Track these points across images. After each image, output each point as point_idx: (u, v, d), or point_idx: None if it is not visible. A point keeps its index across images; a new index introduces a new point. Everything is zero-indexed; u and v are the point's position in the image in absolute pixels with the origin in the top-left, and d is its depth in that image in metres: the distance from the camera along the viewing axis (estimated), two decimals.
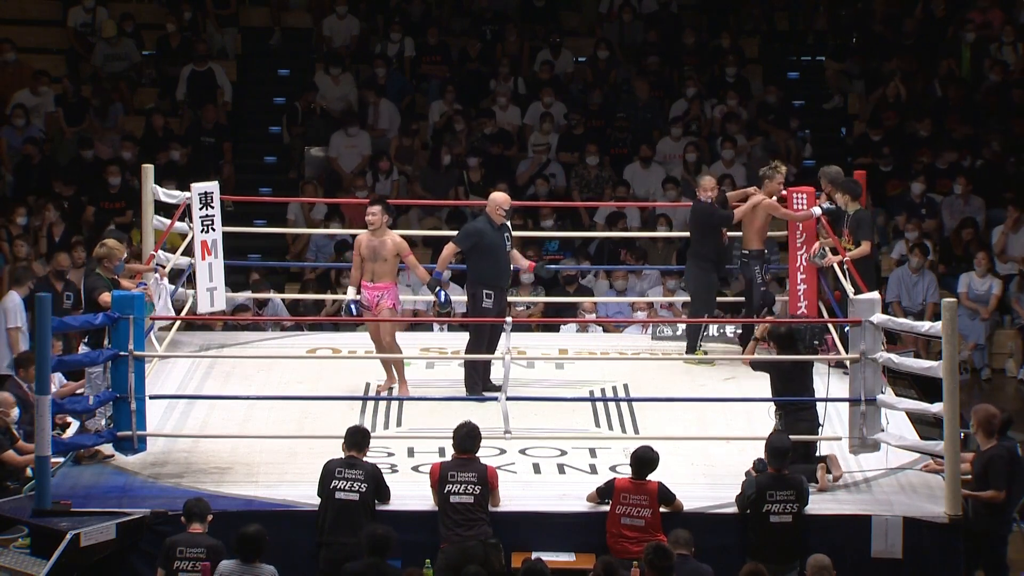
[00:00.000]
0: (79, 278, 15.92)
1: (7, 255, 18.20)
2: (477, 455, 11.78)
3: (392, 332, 13.79)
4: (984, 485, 11.97)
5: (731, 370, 14.49)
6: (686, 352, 14.75)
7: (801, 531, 11.64)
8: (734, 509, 11.81)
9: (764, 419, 12.70)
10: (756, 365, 12.63)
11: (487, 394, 13.53)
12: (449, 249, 13.90)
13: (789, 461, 11.73)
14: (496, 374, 13.65)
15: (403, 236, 13.92)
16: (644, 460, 11.73)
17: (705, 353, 14.71)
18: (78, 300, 15.82)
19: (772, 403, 12.49)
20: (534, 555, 11.39)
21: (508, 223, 14.00)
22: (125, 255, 13.31)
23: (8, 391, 13.35)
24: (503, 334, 12.87)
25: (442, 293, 13.82)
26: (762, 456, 11.86)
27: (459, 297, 14.71)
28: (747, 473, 11.92)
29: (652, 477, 11.73)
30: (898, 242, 19.27)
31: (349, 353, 14.91)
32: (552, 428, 13.15)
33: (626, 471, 11.87)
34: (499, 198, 13.94)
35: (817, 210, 14.49)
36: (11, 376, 14.02)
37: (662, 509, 11.66)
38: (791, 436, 12.05)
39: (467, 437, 11.77)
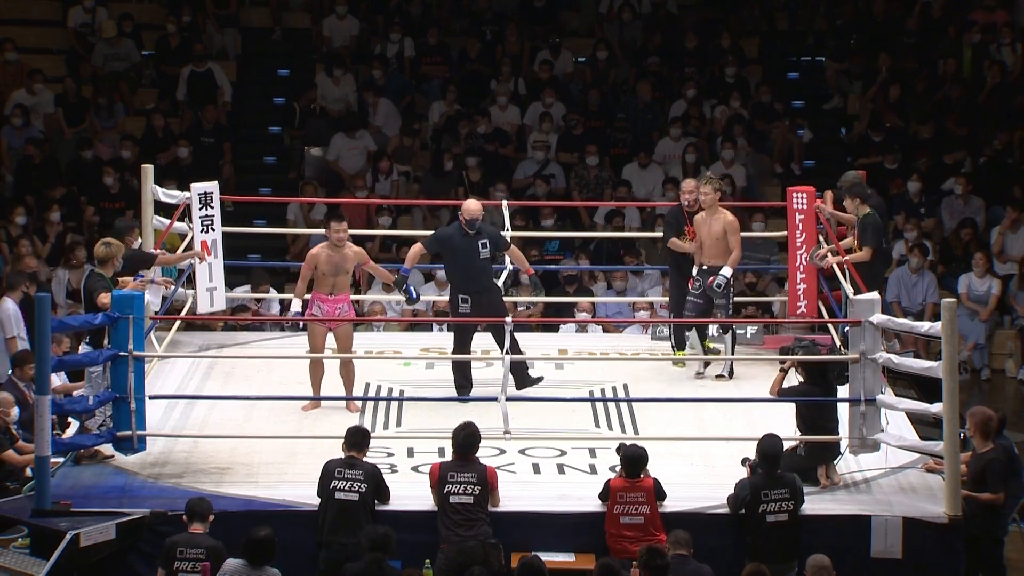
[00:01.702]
0: (78, 279, 15.95)
1: (7, 256, 18.19)
2: (477, 455, 11.79)
3: (352, 340, 13.78)
4: (980, 487, 11.98)
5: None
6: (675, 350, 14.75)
7: (798, 529, 11.64)
8: None
9: (764, 419, 12.71)
10: (783, 394, 12.56)
11: (476, 394, 13.53)
12: (416, 248, 13.92)
13: (780, 465, 11.76)
14: (494, 374, 13.65)
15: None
16: (635, 458, 11.74)
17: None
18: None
19: (796, 429, 12.46)
20: (533, 555, 11.39)
21: (496, 229, 13.95)
22: (132, 245, 13.44)
23: (5, 391, 13.37)
24: (507, 334, 12.85)
25: (410, 288, 13.82)
26: (748, 456, 11.90)
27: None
28: (744, 461, 11.95)
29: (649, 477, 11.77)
30: (898, 242, 19.27)
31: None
32: (552, 428, 13.14)
33: None
34: (470, 207, 13.78)
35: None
36: (8, 376, 14.03)
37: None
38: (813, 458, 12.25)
39: (467, 439, 11.77)
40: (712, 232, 14.16)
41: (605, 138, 21.07)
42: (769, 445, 11.74)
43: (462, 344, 13.84)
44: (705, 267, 14.21)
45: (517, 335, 13.41)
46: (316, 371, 13.59)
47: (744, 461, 11.98)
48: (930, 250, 19.13)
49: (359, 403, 13.60)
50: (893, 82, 21.42)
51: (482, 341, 13.97)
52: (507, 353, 12.72)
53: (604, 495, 11.75)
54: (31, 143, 20.06)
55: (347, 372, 13.66)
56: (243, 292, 16.94)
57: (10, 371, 14.03)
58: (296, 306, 13.60)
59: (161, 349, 14.25)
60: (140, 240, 14.13)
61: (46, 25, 22.45)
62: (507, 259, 14.75)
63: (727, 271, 14.08)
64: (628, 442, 12.07)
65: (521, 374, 13.70)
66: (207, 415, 13.39)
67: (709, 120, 21.37)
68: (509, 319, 13.03)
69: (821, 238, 14.76)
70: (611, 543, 11.61)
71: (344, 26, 22.13)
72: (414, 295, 13.89)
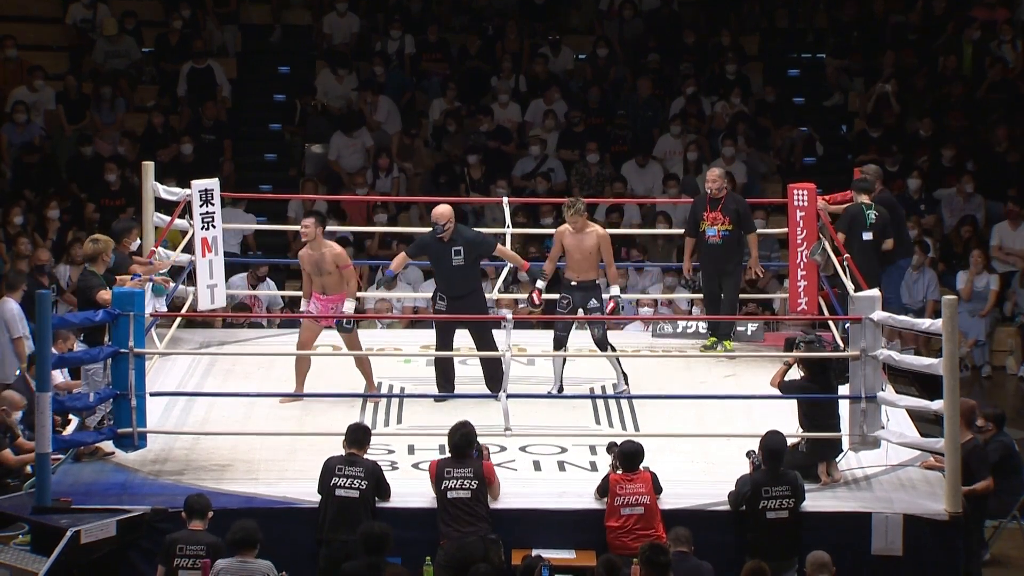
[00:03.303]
0: (79, 275, 15.94)
1: (4, 256, 18.16)
2: (474, 453, 11.80)
3: (358, 336, 13.82)
4: (965, 477, 12.01)
5: (731, 367, 14.51)
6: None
7: (799, 527, 11.64)
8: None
9: (764, 416, 12.71)
10: (784, 388, 12.57)
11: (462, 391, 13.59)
12: (401, 256, 13.96)
13: (782, 462, 11.78)
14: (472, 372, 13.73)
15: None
16: (631, 454, 11.77)
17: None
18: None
19: (798, 425, 12.47)
20: (534, 552, 11.40)
21: (477, 232, 13.96)
22: (130, 247, 13.41)
23: (16, 388, 13.39)
24: (504, 331, 12.84)
25: (347, 324, 13.73)
26: (753, 448, 11.91)
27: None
28: (748, 453, 11.95)
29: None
30: None
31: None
32: (552, 425, 13.15)
33: None
34: (434, 211, 13.76)
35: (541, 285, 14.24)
36: (21, 374, 14.05)
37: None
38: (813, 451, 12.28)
39: (461, 439, 11.77)
40: (583, 247, 13.89)
41: (605, 135, 21.06)
42: (773, 442, 11.75)
43: (443, 343, 13.86)
44: (574, 283, 14.00)
45: (517, 332, 13.41)
46: (301, 366, 13.61)
47: (749, 454, 11.98)
48: (931, 247, 19.13)
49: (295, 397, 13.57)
50: (892, 79, 21.42)
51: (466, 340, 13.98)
52: (508, 350, 12.74)
53: (603, 489, 11.76)
54: (31, 140, 20.05)
55: (363, 366, 13.68)
56: (240, 279, 16.96)
57: (17, 370, 14.05)
58: (304, 305, 13.64)
59: (162, 346, 14.25)
60: (139, 241, 14.13)
61: (46, 22, 22.44)
62: None
63: (616, 290, 13.96)
64: (623, 439, 12.08)
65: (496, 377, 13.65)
66: (208, 412, 13.40)
67: (709, 117, 21.36)
68: (509, 315, 13.05)
69: (821, 235, 14.78)
70: (611, 539, 11.61)
71: (344, 23, 22.13)
72: (350, 325, 13.73)
